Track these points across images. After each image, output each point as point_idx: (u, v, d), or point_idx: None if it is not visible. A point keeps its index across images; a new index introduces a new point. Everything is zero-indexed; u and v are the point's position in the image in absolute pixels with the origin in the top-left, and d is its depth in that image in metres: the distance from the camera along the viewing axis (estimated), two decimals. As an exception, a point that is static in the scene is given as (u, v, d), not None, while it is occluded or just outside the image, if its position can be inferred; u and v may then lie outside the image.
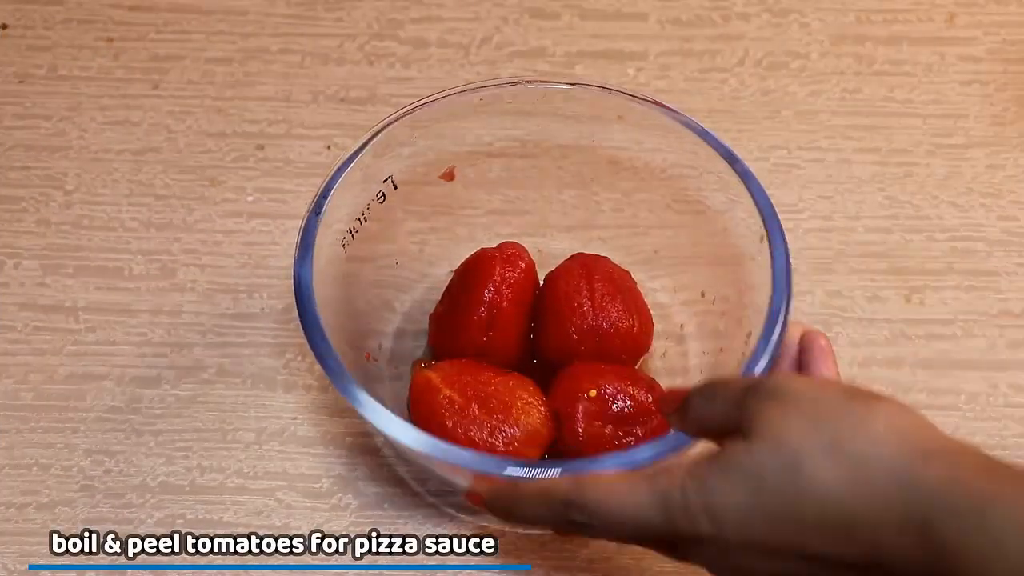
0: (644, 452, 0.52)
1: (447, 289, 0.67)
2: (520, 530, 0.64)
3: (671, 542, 0.47)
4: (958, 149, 0.78)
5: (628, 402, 0.61)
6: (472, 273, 0.65)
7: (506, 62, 0.82)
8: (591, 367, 0.63)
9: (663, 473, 0.46)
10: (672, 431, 0.52)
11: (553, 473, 0.50)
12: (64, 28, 0.84)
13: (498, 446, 0.59)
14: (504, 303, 0.64)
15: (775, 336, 0.54)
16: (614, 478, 0.47)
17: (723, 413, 0.47)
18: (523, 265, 0.65)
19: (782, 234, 0.58)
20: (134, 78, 0.82)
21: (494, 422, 0.60)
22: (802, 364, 0.55)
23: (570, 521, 0.48)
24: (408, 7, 0.85)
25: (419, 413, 0.61)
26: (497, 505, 0.51)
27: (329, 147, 0.78)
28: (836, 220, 0.75)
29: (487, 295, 0.64)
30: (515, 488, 0.50)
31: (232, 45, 0.83)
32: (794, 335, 0.56)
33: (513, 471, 0.51)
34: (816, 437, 0.43)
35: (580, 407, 0.61)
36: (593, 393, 0.61)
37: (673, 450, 0.52)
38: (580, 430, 0.61)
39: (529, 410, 0.61)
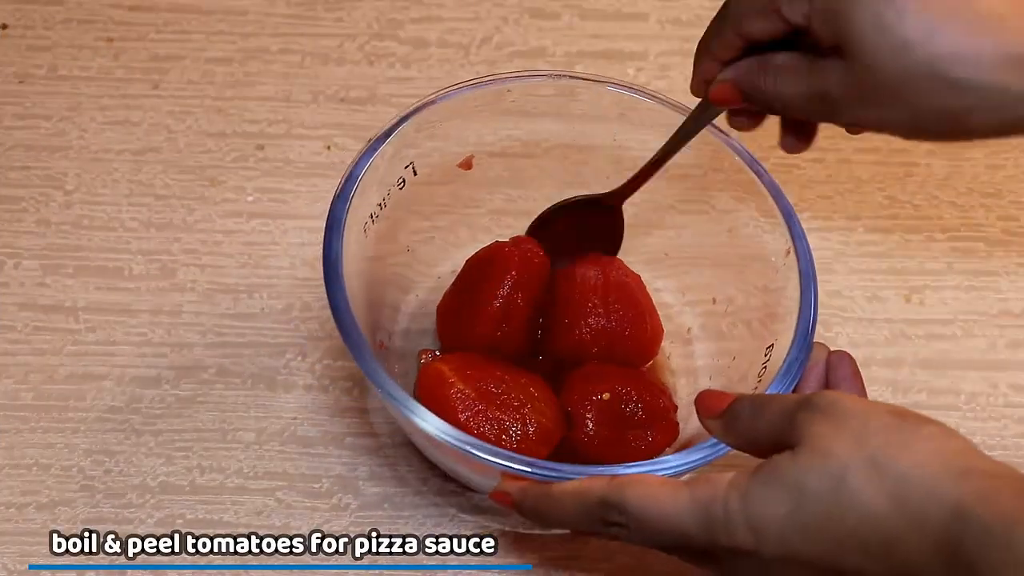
0: (677, 460, 0.52)
1: (457, 280, 0.67)
2: (544, 531, 0.63)
3: (708, 553, 0.47)
4: (958, 149, 0.78)
5: (640, 407, 0.61)
6: (487, 266, 0.65)
7: (506, 62, 0.82)
8: (605, 368, 0.63)
9: (706, 483, 0.46)
10: (705, 440, 0.52)
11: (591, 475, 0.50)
12: (64, 28, 0.84)
13: (509, 443, 0.59)
14: (519, 298, 0.64)
15: (803, 356, 0.55)
16: (656, 482, 0.47)
17: (773, 427, 0.47)
18: (537, 261, 0.65)
19: (807, 245, 0.58)
20: (134, 78, 0.82)
21: (506, 419, 0.59)
22: (830, 385, 0.55)
23: (606, 522, 0.48)
24: (408, 7, 0.85)
25: (429, 405, 0.59)
26: (527, 505, 0.51)
27: (329, 147, 0.78)
28: (836, 220, 0.75)
29: (503, 289, 0.64)
30: (548, 488, 0.50)
31: (232, 45, 0.83)
32: (819, 355, 0.56)
33: (553, 473, 0.51)
34: (861, 453, 0.43)
35: (593, 409, 0.61)
36: (607, 396, 0.61)
37: (708, 458, 0.52)
38: (592, 432, 0.60)
39: (541, 408, 0.61)
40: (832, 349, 0.56)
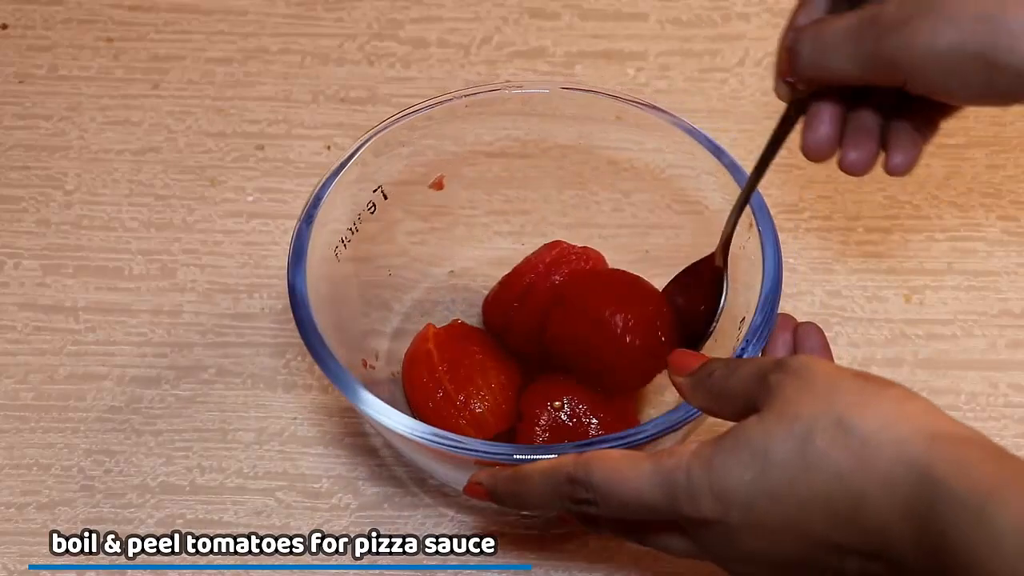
0: (648, 429, 0.52)
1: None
2: (525, 516, 0.63)
3: (677, 527, 0.46)
4: (958, 149, 0.78)
5: (594, 422, 0.61)
6: (544, 255, 0.66)
7: (506, 62, 0.82)
8: (569, 381, 0.63)
9: (669, 454, 0.46)
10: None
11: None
12: (64, 28, 0.84)
13: (447, 417, 0.61)
14: (542, 285, 0.65)
15: (768, 318, 0.56)
16: (619, 456, 0.47)
17: (745, 388, 0.46)
18: (586, 265, 0.66)
19: (772, 223, 0.58)
20: (134, 78, 0.82)
21: (453, 392, 0.61)
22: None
23: (575, 500, 0.48)
24: (408, 7, 0.85)
25: (408, 359, 0.65)
26: (501, 490, 0.51)
27: (329, 147, 0.78)
28: (836, 220, 0.75)
29: (532, 275, 0.65)
30: (519, 470, 0.50)
31: (232, 45, 0.83)
32: (787, 324, 0.56)
33: (520, 457, 0.52)
34: (827, 414, 0.43)
35: (544, 414, 0.61)
36: (558, 404, 0.61)
37: (678, 424, 0.52)
38: (538, 435, 0.61)
39: (485, 396, 0.62)
40: (800, 322, 0.55)
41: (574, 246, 0.66)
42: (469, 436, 0.58)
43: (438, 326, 0.66)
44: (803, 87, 0.52)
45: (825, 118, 0.53)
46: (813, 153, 0.53)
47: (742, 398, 0.46)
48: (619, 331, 0.61)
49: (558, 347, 0.63)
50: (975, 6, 0.46)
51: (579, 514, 0.50)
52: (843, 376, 0.44)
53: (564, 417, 0.61)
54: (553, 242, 0.67)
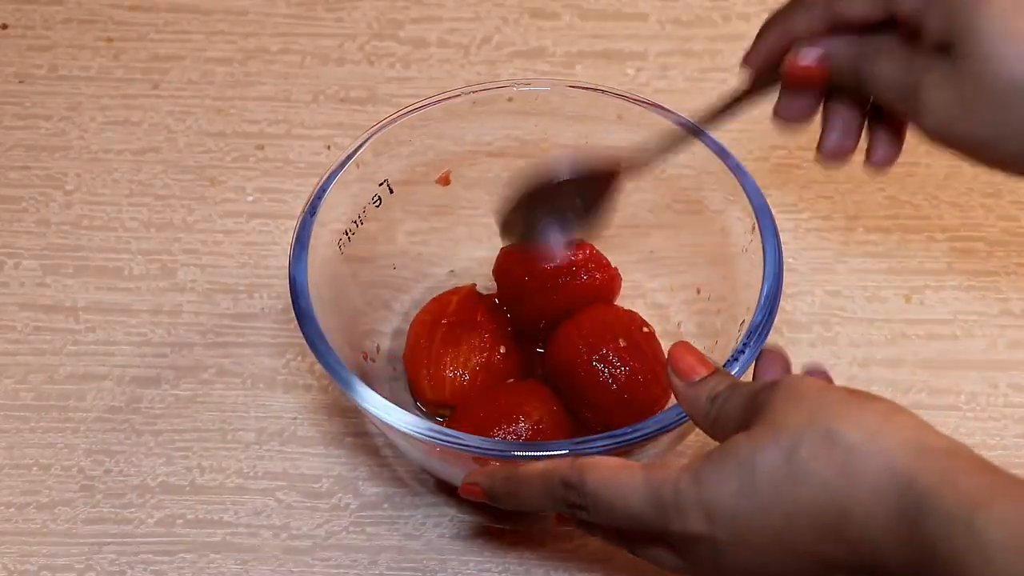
0: (646, 427, 0.53)
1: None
2: (520, 516, 0.64)
3: (665, 540, 0.46)
4: (958, 149, 0.78)
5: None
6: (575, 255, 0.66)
7: (506, 62, 0.82)
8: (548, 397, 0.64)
9: (661, 467, 0.46)
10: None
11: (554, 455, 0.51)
12: (64, 28, 0.84)
13: (421, 380, 0.64)
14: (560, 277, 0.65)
15: (768, 317, 0.56)
16: (613, 465, 0.47)
17: (738, 413, 0.46)
18: (605, 282, 0.66)
19: (773, 223, 0.58)
20: (134, 78, 0.82)
21: (445, 353, 0.64)
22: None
23: (568, 504, 0.48)
24: (408, 7, 0.85)
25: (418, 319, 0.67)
26: (497, 490, 0.51)
27: (329, 147, 0.78)
28: (836, 220, 0.75)
29: (555, 263, 0.65)
30: (515, 471, 0.50)
31: (232, 45, 0.83)
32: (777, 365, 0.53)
33: (519, 454, 0.52)
34: (814, 426, 0.42)
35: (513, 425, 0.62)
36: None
37: (671, 425, 0.53)
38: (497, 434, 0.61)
39: (473, 367, 0.64)
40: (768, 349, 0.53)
41: (601, 259, 0.67)
42: (423, 389, 0.63)
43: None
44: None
45: (804, 104, 0.54)
46: (785, 126, 0.55)
47: (735, 422, 0.46)
48: (609, 382, 0.62)
49: (553, 374, 0.65)
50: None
51: (573, 517, 0.50)
52: (831, 390, 0.45)
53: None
54: (584, 244, 0.66)
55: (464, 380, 0.64)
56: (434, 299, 0.68)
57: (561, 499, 0.48)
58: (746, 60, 0.55)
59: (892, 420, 0.43)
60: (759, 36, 0.54)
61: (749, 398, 0.46)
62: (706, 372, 0.49)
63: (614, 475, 0.46)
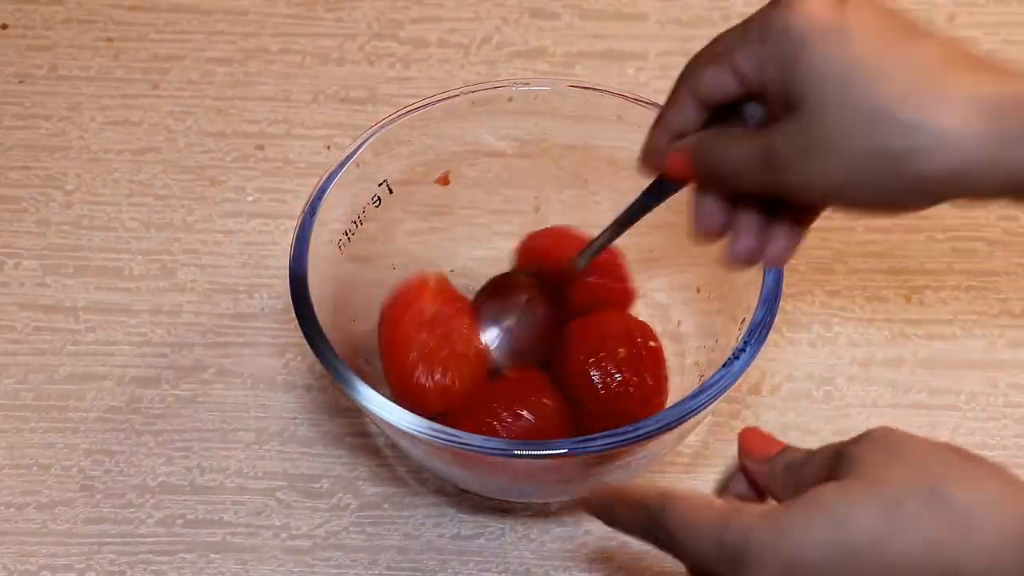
0: (647, 424, 0.53)
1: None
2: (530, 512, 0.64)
3: None
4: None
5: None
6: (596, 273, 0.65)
7: (506, 62, 0.82)
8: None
9: (740, 511, 0.43)
10: None
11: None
12: (64, 28, 0.84)
13: (424, 369, 0.62)
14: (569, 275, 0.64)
15: (768, 315, 0.56)
16: (697, 504, 0.45)
17: (818, 471, 0.44)
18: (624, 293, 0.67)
19: None
20: (134, 78, 0.82)
21: (436, 348, 0.61)
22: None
23: (652, 538, 0.46)
24: (408, 7, 0.85)
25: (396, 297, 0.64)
26: (598, 509, 0.49)
27: (329, 147, 0.78)
28: (836, 220, 0.75)
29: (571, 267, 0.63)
30: (613, 490, 0.48)
31: (232, 45, 0.83)
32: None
33: (520, 452, 0.53)
34: (921, 483, 0.41)
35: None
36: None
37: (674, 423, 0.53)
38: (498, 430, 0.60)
39: (460, 366, 0.62)
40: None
41: (624, 269, 0.67)
42: (420, 397, 0.61)
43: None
44: (678, 182, 0.54)
45: (714, 210, 0.54)
46: (703, 239, 0.55)
47: (817, 480, 0.44)
48: (599, 388, 0.62)
49: (554, 366, 0.64)
50: (873, 139, 0.45)
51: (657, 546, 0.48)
52: (937, 448, 0.43)
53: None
54: (614, 251, 0.66)
55: (449, 384, 0.62)
56: (395, 303, 0.64)
57: (647, 530, 0.46)
58: (643, 164, 0.55)
59: (1007, 485, 0.41)
60: (647, 138, 0.54)
61: (832, 456, 0.44)
62: (778, 449, 0.48)
63: (694, 513, 0.44)
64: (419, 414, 0.60)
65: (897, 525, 0.40)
